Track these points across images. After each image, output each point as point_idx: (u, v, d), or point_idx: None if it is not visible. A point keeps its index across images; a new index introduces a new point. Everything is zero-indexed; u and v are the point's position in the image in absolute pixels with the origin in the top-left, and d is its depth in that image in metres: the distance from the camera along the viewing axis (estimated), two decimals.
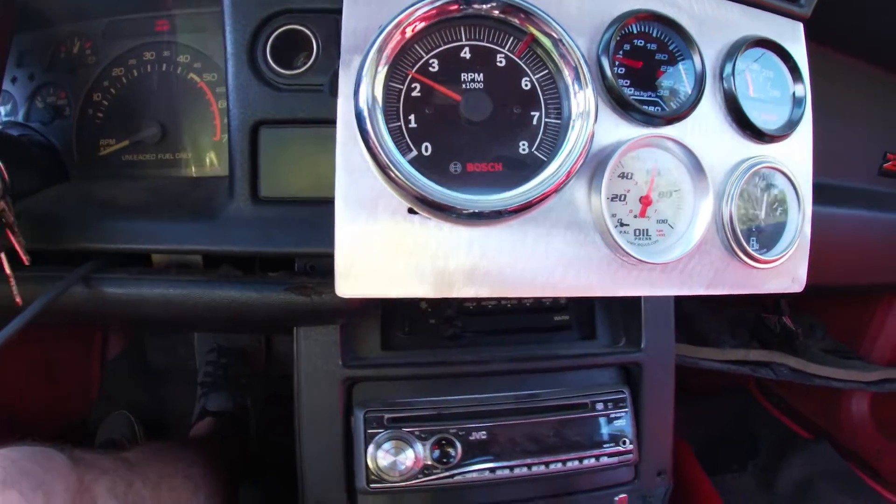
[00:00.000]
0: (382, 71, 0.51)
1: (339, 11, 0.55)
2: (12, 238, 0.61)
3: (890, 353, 1.16)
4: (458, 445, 0.68)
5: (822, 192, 0.92)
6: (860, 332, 1.18)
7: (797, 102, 0.65)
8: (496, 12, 0.53)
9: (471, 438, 0.68)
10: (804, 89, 0.65)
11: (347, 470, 0.69)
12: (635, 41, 0.60)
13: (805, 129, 0.66)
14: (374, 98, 0.51)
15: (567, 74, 0.54)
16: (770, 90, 0.66)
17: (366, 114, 0.50)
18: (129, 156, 0.78)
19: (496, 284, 0.55)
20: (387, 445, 0.67)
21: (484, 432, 0.69)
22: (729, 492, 1.14)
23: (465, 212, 0.51)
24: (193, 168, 0.77)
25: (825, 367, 1.02)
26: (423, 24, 0.52)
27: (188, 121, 0.77)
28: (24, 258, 0.62)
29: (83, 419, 1.14)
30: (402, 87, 0.53)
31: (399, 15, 0.51)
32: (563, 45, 0.53)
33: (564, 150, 0.54)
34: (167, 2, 0.77)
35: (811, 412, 1.30)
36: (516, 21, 0.54)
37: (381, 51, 0.51)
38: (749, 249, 0.61)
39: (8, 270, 0.61)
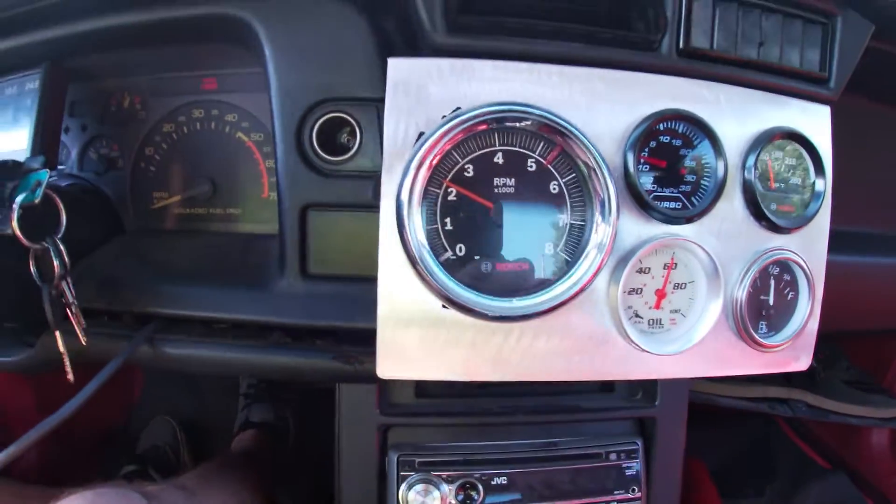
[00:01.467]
0: (421, 179, 0.60)
1: (381, 100, 0.62)
2: (72, 320, 0.71)
3: None
4: (481, 489, 0.79)
5: (870, 242, 0.98)
6: (884, 363, 1.25)
7: (816, 196, 0.71)
8: (529, 130, 0.60)
9: (493, 483, 0.80)
10: (825, 183, 0.71)
11: None
12: (661, 138, 0.66)
13: (823, 218, 0.72)
14: (412, 204, 0.59)
15: (593, 180, 0.62)
16: (791, 179, 0.71)
17: (405, 220, 0.59)
18: (182, 209, 0.88)
19: (518, 371, 0.64)
20: (417, 487, 0.79)
21: (505, 478, 0.80)
22: None
23: (489, 315, 0.60)
24: (245, 224, 0.86)
25: (842, 404, 1.10)
26: (460, 136, 0.60)
27: (238, 178, 0.86)
28: (83, 340, 0.72)
29: (126, 423, 1.29)
30: (439, 191, 0.62)
31: (437, 131, 0.59)
32: (590, 155, 0.60)
33: (589, 255, 0.62)
34: (208, 62, 0.85)
35: (832, 441, 1.39)
36: (545, 133, 0.61)
37: (420, 161, 0.59)
38: (756, 336, 0.69)
39: (62, 349, 0.71)
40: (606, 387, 0.87)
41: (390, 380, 0.83)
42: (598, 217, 0.61)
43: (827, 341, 1.38)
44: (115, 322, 0.78)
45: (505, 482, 0.80)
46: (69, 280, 0.70)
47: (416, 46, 0.66)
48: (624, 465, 0.83)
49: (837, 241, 0.97)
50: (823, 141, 0.72)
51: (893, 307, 1.02)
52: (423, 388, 0.84)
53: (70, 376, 0.72)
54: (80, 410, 1.12)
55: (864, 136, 0.98)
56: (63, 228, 0.69)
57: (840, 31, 0.73)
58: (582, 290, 0.61)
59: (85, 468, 0.97)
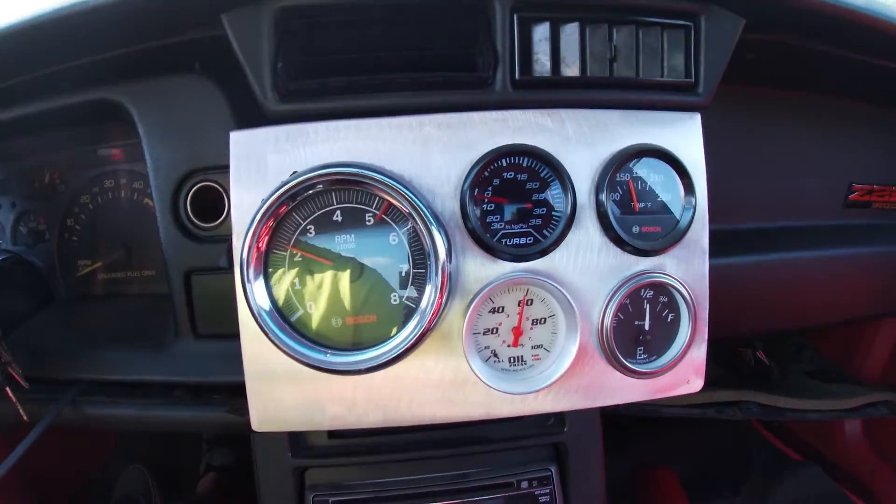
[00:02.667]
0: (257, 244, 0.65)
1: None
2: (13, 372, 0.81)
3: (879, 372, 1.20)
4: None
5: (785, 237, 0.96)
6: (851, 351, 1.22)
7: (686, 209, 0.71)
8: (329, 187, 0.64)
9: None
10: (693, 195, 0.70)
11: None
12: (505, 174, 0.68)
13: (698, 231, 0.72)
14: (252, 269, 0.65)
15: (422, 228, 0.65)
16: (661, 194, 0.71)
17: (247, 285, 0.65)
18: (104, 275, 0.97)
19: (382, 420, 0.69)
20: None
21: None
22: None
23: (338, 370, 0.65)
24: (159, 285, 0.94)
25: (799, 401, 1.07)
26: (289, 205, 0.65)
27: (148, 242, 0.94)
28: (24, 384, 0.82)
29: (100, 474, 1.41)
30: (285, 254, 0.67)
31: (268, 200, 0.64)
32: (413, 206, 0.64)
33: (425, 297, 0.65)
34: (114, 135, 0.93)
35: (805, 433, 1.35)
36: (364, 188, 0.64)
37: (255, 228, 0.64)
38: (627, 364, 0.70)
39: (13, 398, 0.81)
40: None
41: (293, 430, 0.90)
42: (431, 264, 0.65)
43: (787, 336, 1.35)
44: (45, 387, 0.88)
45: None
46: (3, 342, 0.79)
47: (264, 115, 0.71)
48: (537, 493, 0.85)
49: (780, 238, 0.97)
50: (693, 151, 0.72)
51: (851, 296, 0.99)
52: (334, 430, 0.90)
53: (25, 418, 0.81)
54: (55, 460, 1.25)
55: (783, 130, 0.96)
56: None
57: (706, 32, 0.73)
58: (422, 338, 0.64)
59: None
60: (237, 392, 0.81)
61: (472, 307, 0.66)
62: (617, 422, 1.03)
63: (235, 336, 0.77)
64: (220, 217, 0.79)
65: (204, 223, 0.79)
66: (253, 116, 0.74)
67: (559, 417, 0.88)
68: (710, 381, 1.19)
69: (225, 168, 0.76)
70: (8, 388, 0.81)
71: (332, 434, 0.91)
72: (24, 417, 0.83)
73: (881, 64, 0.86)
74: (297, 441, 0.88)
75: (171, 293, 0.79)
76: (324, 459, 0.88)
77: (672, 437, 1.44)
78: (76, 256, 0.98)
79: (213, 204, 0.80)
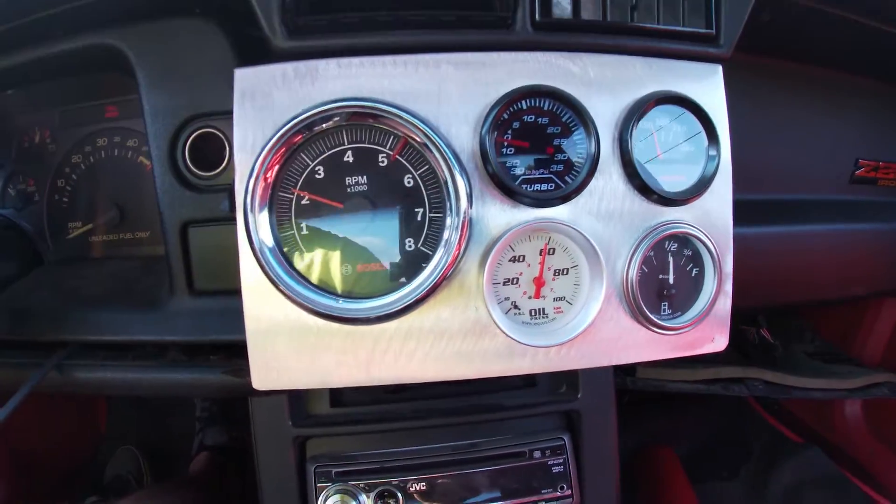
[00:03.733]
0: (263, 186, 0.60)
1: None
2: None
3: (880, 354, 1.18)
4: (400, 496, 0.79)
5: (790, 210, 0.93)
6: (852, 333, 1.20)
7: (710, 160, 0.67)
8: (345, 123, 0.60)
9: (411, 489, 0.79)
10: (717, 144, 0.67)
11: None
12: (525, 118, 0.64)
13: (723, 184, 0.68)
14: (257, 212, 0.60)
15: (443, 168, 0.60)
16: (683, 146, 0.68)
17: (251, 228, 0.60)
18: (96, 237, 0.91)
19: (393, 374, 0.64)
20: (335, 497, 0.79)
21: (424, 483, 0.79)
22: (717, 500, 1.20)
23: (348, 318, 0.60)
24: (153, 247, 0.89)
25: (804, 379, 1.04)
26: (298, 139, 0.60)
27: (142, 203, 0.89)
28: None
29: (94, 454, 1.34)
30: (292, 196, 0.62)
31: (274, 135, 0.59)
32: (431, 142, 0.59)
33: (441, 245, 0.61)
34: (108, 91, 0.88)
35: (804, 415, 1.33)
36: (384, 125, 0.60)
37: (261, 167, 0.59)
38: (652, 317, 0.65)
39: None
40: (528, 382, 0.85)
41: (304, 390, 0.84)
42: (450, 206, 0.60)
43: (789, 315, 1.32)
44: (29, 351, 0.81)
45: (424, 487, 0.79)
46: None
47: (270, 55, 0.66)
48: (550, 463, 0.81)
49: (785, 211, 0.94)
50: (715, 102, 0.69)
51: (854, 272, 0.96)
52: (337, 397, 0.85)
53: None
54: (47, 443, 1.18)
55: (793, 102, 0.93)
56: None
57: None
58: (440, 283, 0.60)
59: (52, 501, 1.02)
60: (236, 353, 0.76)
61: (493, 254, 0.61)
62: (619, 402, 0.99)
63: (235, 292, 0.72)
64: (220, 166, 0.73)
65: (203, 172, 0.73)
66: (255, 60, 0.69)
67: (572, 384, 0.83)
68: (716, 359, 1.17)
69: (227, 113, 0.70)
70: None
71: (335, 402, 0.85)
72: None
73: (892, 31, 0.84)
74: (297, 409, 0.83)
75: (167, 246, 0.73)
76: (326, 428, 0.83)
77: (672, 419, 1.40)
78: (66, 219, 0.92)
79: (214, 154, 0.74)
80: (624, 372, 1.01)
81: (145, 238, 0.89)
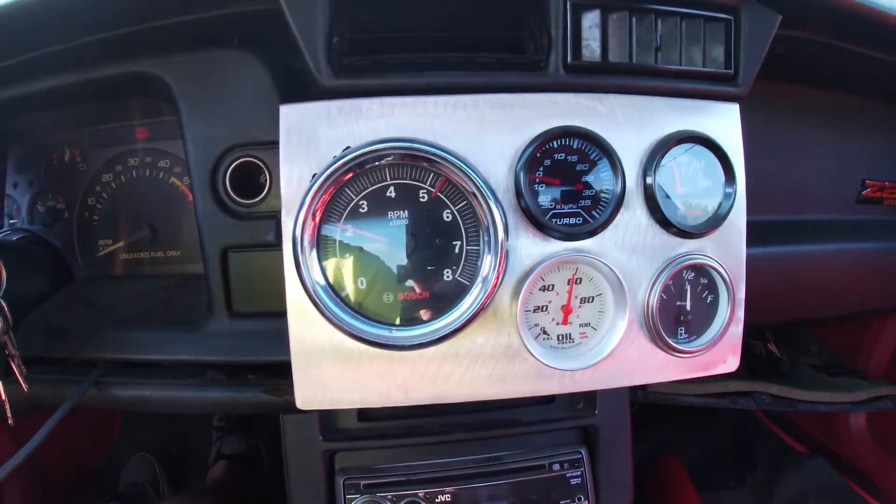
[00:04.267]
0: (312, 220, 0.63)
1: None
2: (14, 370, 0.76)
3: (885, 367, 1.24)
4: None
5: (798, 230, 0.98)
6: (857, 346, 1.25)
7: (726, 197, 0.72)
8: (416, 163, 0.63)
9: (437, 500, 0.83)
10: (734, 182, 0.72)
11: None
12: (556, 155, 0.68)
13: (737, 218, 0.73)
14: (306, 244, 0.63)
15: (481, 204, 0.64)
16: (701, 181, 0.73)
17: (300, 259, 0.63)
18: (126, 255, 0.93)
19: (430, 395, 0.68)
20: None
21: (449, 495, 0.83)
22: None
23: (391, 345, 0.63)
24: (184, 265, 0.91)
25: (809, 392, 1.10)
26: (348, 176, 0.63)
27: (174, 222, 0.91)
28: (25, 387, 0.76)
29: (107, 463, 1.36)
30: (337, 228, 0.65)
31: (325, 172, 0.62)
32: (472, 183, 0.63)
33: (481, 278, 0.65)
34: (139, 112, 0.90)
35: (810, 426, 1.39)
36: (425, 165, 0.63)
37: (311, 202, 0.63)
38: (670, 342, 0.70)
39: (3, 397, 0.75)
40: (548, 398, 0.89)
41: (338, 408, 0.88)
42: (488, 240, 0.64)
43: (795, 329, 1.39)
44: (65, 368, 0.84)
45: (449, 499, 0.83)
46: (11, 334, 0.75)
47: (311, 90, 0.69)
48: (568, 475, 0.85)
49: (792, 231, 0.99)
50: (732, 139, 0.73)
51: (858, 290, 1.01)
52: (365, 412, 0.88)
53: (10, 421, 0.77)
54: (60, 449, 1.20)
55: (800, 124, 0.98)
56: (4, 286, 0.74)
57: (745, 25, 0.74)
58: (478, 314, 0.64)
59: None
60: (272, 372, 0.80)
61: (526, 284, 0.65)
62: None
63: (274, 314, 0.75)
64: (261, 194, 0.76)
65: (243, 199, 0.76)
66: (296, 93, 0.72)
67: (589, 400, 0.88)
68: (722, 374, 1.22)
69: (267, 144, 0.75)
70: (18, 374, 0.76)
71: (363, 417, 0.89)
72: (10, 419, 0.78)
73: None
74: (327, 424, 0.86)
75: (206, 271, 0.76)
76: (354, 442, 0.87)
77: (679, 430, 1.45)
78: (96, 236, 0.94)
79: (251, 180, 0.78)
80: (636, 386, 1.06)
81: (176, 257, 0.92)
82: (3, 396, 0.74)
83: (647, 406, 1.16)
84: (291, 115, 0.66)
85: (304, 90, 0.72)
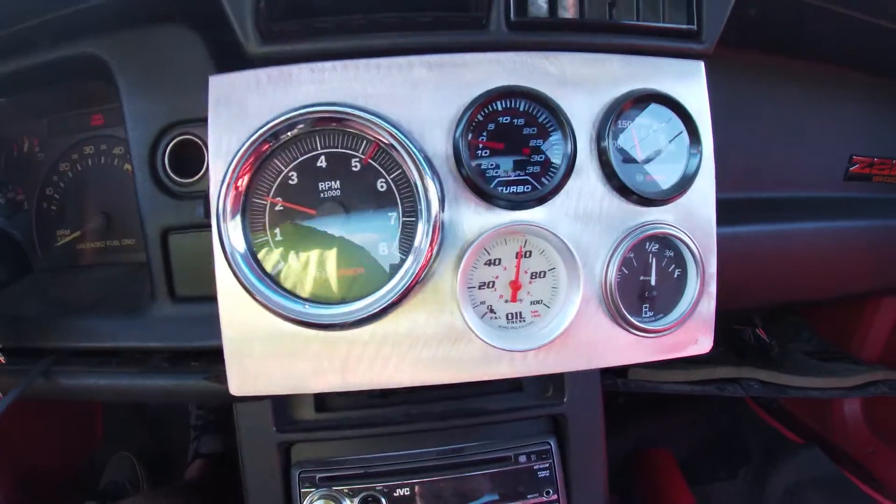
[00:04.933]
0: (234, 192, 0.60)
1: None
2: None
3: (879, 351, 1.16)
4: (384, 502, 0.78)
5: (783, 208, 0.92)
6: (849, 331, 1.18)
7: (692, 155, 0.66)
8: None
9: (395, 494, 0.78)
10: (699, 141, 0.66)
11: None
12: (500, 119, 0.63)
13: (705, 183, 0.67)
14: (229, 219, 0.60)
15: (414, 172, 0.60)
16: (665, 145, 0.67)
17: (224, 234, 0.59)
18: (83, 245, 0.91)
19: (369, 379, 0.63)
20: (319, 503, 0.79)
21: (408, 489, 0.79)
22: (716, 502, 1.18)
23: (324, 324, 0.59)
24: (139, 254, 0.89)
25: (800, 378, 1.02)
26: (267, 147, 0.59)
27: (129, 210, 0.88)
28: (1, 358, 0.76)
29: (90, 460, 1.36)
30: (265, 203, 0.61)
31: (245, 142, 0.59)
32: (401, 145, 0.59)
33: (416, 250, 0.60)
34: (94, 99, 0.88)
35: (803, 415, 1.31)
36: (354, 129, 0.59)
37: (232, 174, 0.59)
38: (632, 320, 0.64)
39: None
40: (515, 386, 0.84)
41: (288, 395, 0.84)
42: (421, 209, 0.59)
43: (786, 313, 1.30)
44: (18, 358, 0.82)
45: (408, 493, 0.79)
46: None
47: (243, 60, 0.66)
48: (536, 467, 0.80)
49: (778, 209, 0.92)
50: (698, 99, 0.67)
51: (850, 270, 0.94)
52: (322, 402, 0.84)
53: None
54: (43, 449, 1.19)
55: (785, 99, 0.91)
56: None
57: None
58: (412, 287, 0.59)
59: None
60: (217, 359, 0.76)
61: (466, 258, 0.60)
62: (614, 403, 0.98)
63: (215, 298, 0.72)
64: (199, 173, 0.73)
65: (182, 179, 0.73)
66: (231, 67, 0.69)
67: (558, 387, 0.82)
68: (710, 359, 1.15)
69: (205, 120, 0.71)
70: None
71: (320, 408, 0.85)
72: None
73: (882, 25, 0.82)
74: (282, 415, 0.82)
75: (148, 253, 0.74)
76: (310, 433, 0.83)
77: (670, 421, 1.38)
78: (55, 226, 0.92)
79: (194, 160, 0.75)
80: (615, 374, 0.99)
81: (132, 245, 0.90)
82: None
83: (635, 398, 1.09)
84: (220, 86, 0.62)
85: (240, 63, 0.69)
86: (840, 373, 1.03)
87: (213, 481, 1.27)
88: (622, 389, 0.97)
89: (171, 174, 0.73)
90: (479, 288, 0.63)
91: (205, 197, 0.64)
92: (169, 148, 0.73)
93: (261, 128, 0.58)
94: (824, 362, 1.10)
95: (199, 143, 0.73)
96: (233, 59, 0.70)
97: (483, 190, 0.61)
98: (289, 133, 0.58)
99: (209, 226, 0.65)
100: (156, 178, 0.73)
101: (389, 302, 0.59)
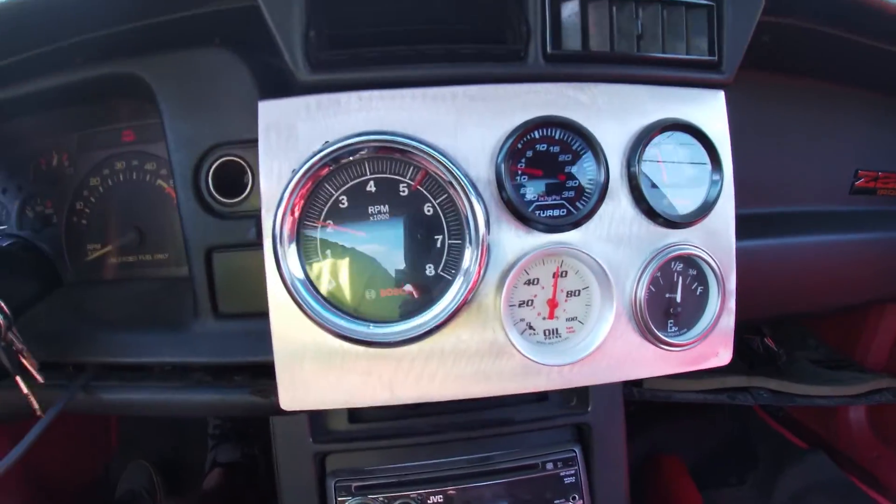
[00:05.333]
0: (291, 216, 0.62)
1: None
2: (25, 362, 0.76)
3: (884, 360, 1.21)
4: None
5: (791, 222, 0.97)
6: (855, 339, 1.23)
7: (713, 183, 0.70)
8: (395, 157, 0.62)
9: (429, 502, 0.82)
10: (721, 169, 0.70)
11: None
12: (538, 146, 0.67)
13: (725, 207, 0.71)
14: (286, 241, 0.62)
15: (462, 197, 0.63)
16: (687, 170, 0.71)
17: (280, 257, 0.62)
18: (115, 259, 0.93)
19: (415, 394, 0.66)
20: None
21: (441, 495, 0.82)
22: None
23: (375, 342, 0.62)
24: (172, 268, 0.91)
25: (808, 387, 1.07)
26: (325, 171, 0.62)
27: (162, 224, 0.91)
28: (38, 378, 0.77)
29: (105, 471, 1.35)
30: (317, 225, 0.64)
31: (301, 167, 0.62)
32: (451, 174, 0.62)
33: (463, 271, 0.63)
34: (126, 115, 0.90)
35: (810, 422, 1.36)
36: (403, 158, 0.63)
37: (289, 198, 0.62)
38: (660, 335, 0.69)
39: (25, 390, 0.76)
40: (540, 396, 0.88)
41: (323, 408, 0.87)
42: (469, 234, 0.63)
43: (790, 324, 1.36)
44: (54, 373, 0.83)
45: (441, 500, 0.82)
46: (14, 329, 0.74)
47: (290, 87, 0.69)
48: (562, 474, 0.84)
49: (783, 223, 0.97)
50: (718, 127, 0.72)
51: (853, 281, 0.99)
52: (356, 414, 0.87)
53: (38, 411, 0.76)
54: (59, 458, 1.20)
55: (791, 115, 0.96)
56: None
57: (728, 11, 0.73)
58: (460, 309, 0.63)
59: None
60: (259, 373, 0.79)
61: (509, 278, 0.64)
62: (626, 412, 1.02)
63: (258, 314, 0.74)
64: (243, 193, 0.76)
65: (226, 199, 0.76)
66: (276, 90, 0.72)
67: (582, 398, 0.87)
68: (720, 368, 1.20)
69: (249, 142, 0.74)
70: (19, 378, 0.76)
71: (353, 419, 0.88)
72: (38, 410, 0.78)
73: (891, 50, 0.87)
74: (317, 426, 0.85)
75: (191, 272, 0.76)
76: (345, 444, 0.85)
77: (679, 427, 1.43)
78: (85, 240, 0.93)
79: (234, 180, 0.77)
80: (631, 383, 1.04)
81: (164, 260, 0.91)
82: (26, 389, 0.73)
83: (646, 406, 1.14)
84: (270, 111, 0.65)
85: (284, 88, 0.72)
86: (846, 381, 1.08)
87: (233, 490, 1.28)
88: (637, 398, 1.01)
89: (216, 194, 0.75)
90: (519, 306, 0.67)
91: (257, 219, 0.67)
92: (212, 169, 0.75)
93: (321, 151, 0.60)
94: (830, 370, 1.16)
95: (243, 164, 0.75)
96: (275, 83, 0.74)
97: (523, 214, 0.65)
98: (350, 158, 0.61)
99: (257, 245, 0.68)
100: (199, 198, 0.75)
101: (440, 322, 0.63)
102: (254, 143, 0.73)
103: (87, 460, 1.29)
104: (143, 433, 1.39)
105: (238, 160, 0.75)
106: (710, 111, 0.72)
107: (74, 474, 1.20)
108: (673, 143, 0.71)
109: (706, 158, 0.71)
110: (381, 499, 0.82)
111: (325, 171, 0.62)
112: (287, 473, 0.85)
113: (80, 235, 0.94)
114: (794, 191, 1.00)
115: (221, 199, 0.76)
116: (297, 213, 0.62)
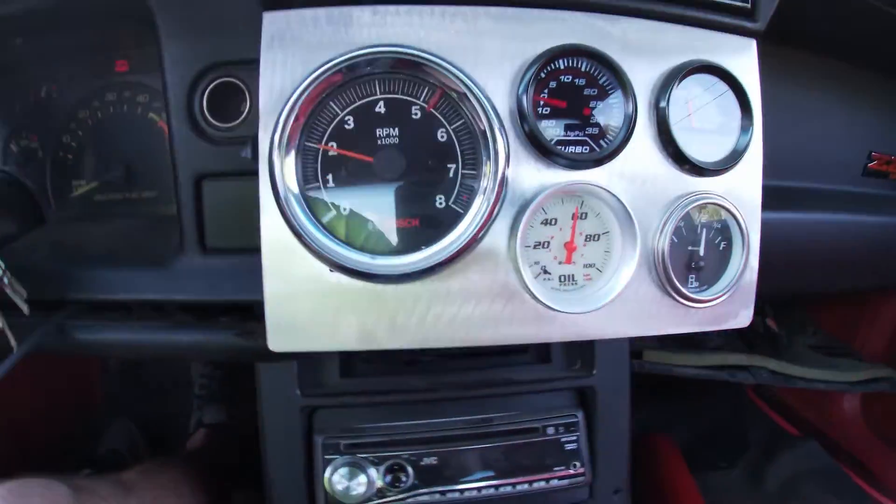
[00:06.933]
0: (291, 133, 0.54)
1: None
2: (8, 292, 0.66)
3: (883, 350, 1.15)
4: (410, 470, 0.73)
5: (801, 197, 0.90)
6: (854, 326, 1.18)
7: (743, 132, 0.63)
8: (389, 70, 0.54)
9: (422, 464, 0.73)
10: (751, 116, 0.63)
11: (310, 493, 0.76)
12: (562, 77, 0.59)
13: (754, 158, 0.64)
14: (285, 161, 0.54)
15: (480, 123, 0.55)
16: (716, 117, 0.64)
17: (278, 178, 0.53)
18: (100, 196, 0.83)
19: (417, 338, 0.58)
20: (343, 470, 0.73)
21: (435, 458, 0.74)
22: (714, 490, 1.16)
23: (376, 275, 0.54)
24: (160, 207, 0.82)
25: (807, 370, 1.01)
26: (324, 86, 0.54)
27: (151, 161, 0.81)
28: (24, 308, 0.67)
29: (85, 427, 1.26)
30: (318, 147, 0.56)
31: (307, 78, 0.53)
32: (473, 95, 0.54)
33: (476, 203, 0.55)
34: (121, 44, 0.81)
35: (803, 409, 1.31)
36: (422, 74, 0.54)
37: (289, 112, 0.53)
38: (682, 289, 0.61)
39: (2, 324, 0.67)
40: (543, 357, 0.80)
41: (314, 359, 0.78)
42: (486, 163, 0.55)
43: (792, 307, 1.30)
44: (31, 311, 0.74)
45: (435, 462, 0.74)
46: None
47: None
48: (563, 440, 0.76)
49: (796, 198, 0.90)
50: (749, 75, 0.65)
51: (860, 265, 0.93)
52: (347, 367, 0.79)
53: (14, 344, 0.66)
54: (42, 415, 1.09)
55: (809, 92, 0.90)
56: None
57: None
58: (471, 244, 0.54)
59: (43, 472, 0.94)
60: (246, 315, 0.70)
61: (526, 215, 0.56)
62: None
63: (249, 250, 0.65)
64: (240, 117, 0.67)
65: (220, 123, 0.67)
66: (282, 6, 0.63)
67: (587, 361, 0.79)
68: (720, 346, 1.13)
69: (249, 62, 0.65)
70: (11, 294, 0.66)
71: (345, 373, 0.79)
72: (13, 342, 0.68)
73: None
74: (306, 378, 0.77)
75: (179, 201, 0.67)
76: (335, 398, 0.77)
77: (671, 409, 1.36)
78: (71, 176, 0.84)
79: (230, 106, 0.68)
80: (631, 355, 0.96)
81: (152, 198, 0.82)
82: (2, 324, 0.64)
83: (640, 384, 1.06)
84: (276, 22, 0.57)
85: (286, 4, 0.63)
86: (843, 368, 1.02)
87: (218, 452, 1.19)
88: (638, 371, 0.94)
89: (209, 118, 0.66)
90: (535, 248, 0.59)
91: (253, 137, 0.58)
92: (207, 91, 0.66)
93: (338, 57, 0.52)
94: (828, 357, 1.10)
95: (241, 86, 0.66)
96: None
97: (545, 147, 0.57)
98: (367, 69, 0.53)
99: (252, 172, 0.59)
100: (192, 121, 0.66)
101: (447, 257, 0.54)
102: (254, 63, 0.64)
103: (69, 417, 1.19)
104: (128, 393, 1.29)
105: (236, 82, 0.66)
106: (742, 58, 0.65)
107: (56, 428, 1.11)
108: (702, 87, 0.63)
109: (736, 107, 0.64)
110: (371, 458, 0.74)
111: (339, 77, 0.53)
112: (272, 428, 0.76)
113: (66, 171, 0.85)
114: (808, 167, 0.93)
115: (215, 122, 0.66)
116: (297, 130, 0.54)
